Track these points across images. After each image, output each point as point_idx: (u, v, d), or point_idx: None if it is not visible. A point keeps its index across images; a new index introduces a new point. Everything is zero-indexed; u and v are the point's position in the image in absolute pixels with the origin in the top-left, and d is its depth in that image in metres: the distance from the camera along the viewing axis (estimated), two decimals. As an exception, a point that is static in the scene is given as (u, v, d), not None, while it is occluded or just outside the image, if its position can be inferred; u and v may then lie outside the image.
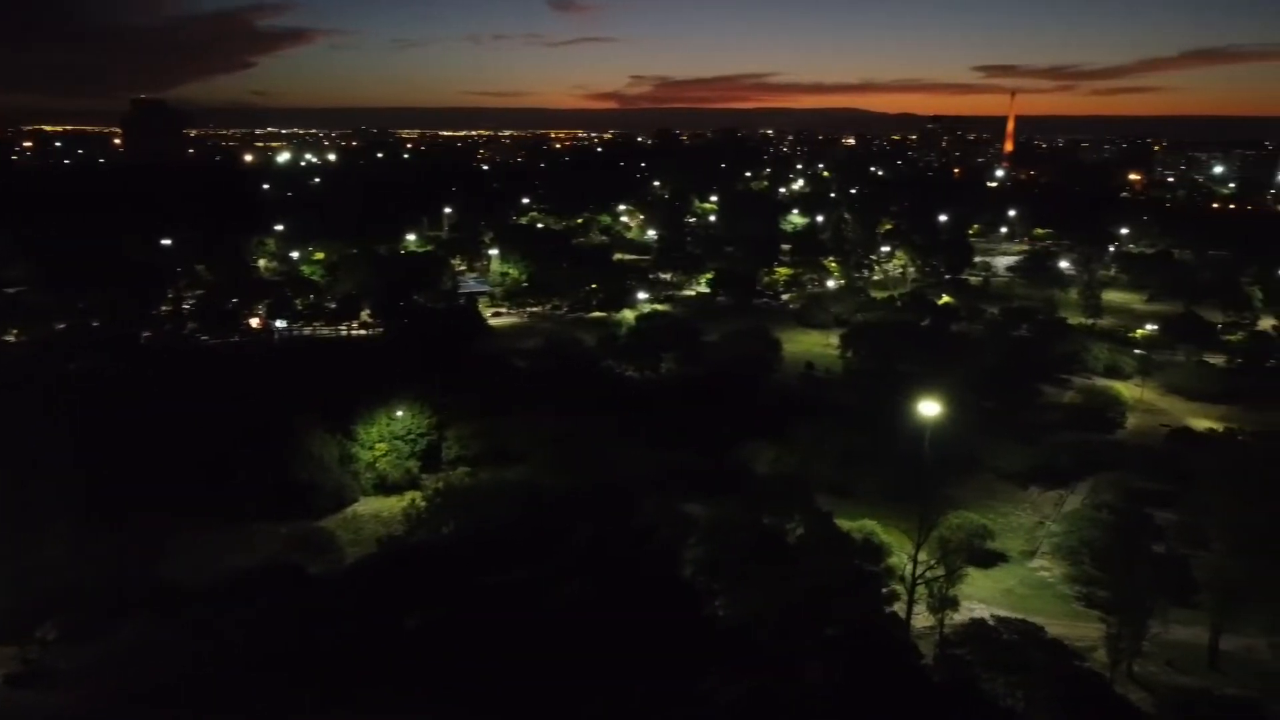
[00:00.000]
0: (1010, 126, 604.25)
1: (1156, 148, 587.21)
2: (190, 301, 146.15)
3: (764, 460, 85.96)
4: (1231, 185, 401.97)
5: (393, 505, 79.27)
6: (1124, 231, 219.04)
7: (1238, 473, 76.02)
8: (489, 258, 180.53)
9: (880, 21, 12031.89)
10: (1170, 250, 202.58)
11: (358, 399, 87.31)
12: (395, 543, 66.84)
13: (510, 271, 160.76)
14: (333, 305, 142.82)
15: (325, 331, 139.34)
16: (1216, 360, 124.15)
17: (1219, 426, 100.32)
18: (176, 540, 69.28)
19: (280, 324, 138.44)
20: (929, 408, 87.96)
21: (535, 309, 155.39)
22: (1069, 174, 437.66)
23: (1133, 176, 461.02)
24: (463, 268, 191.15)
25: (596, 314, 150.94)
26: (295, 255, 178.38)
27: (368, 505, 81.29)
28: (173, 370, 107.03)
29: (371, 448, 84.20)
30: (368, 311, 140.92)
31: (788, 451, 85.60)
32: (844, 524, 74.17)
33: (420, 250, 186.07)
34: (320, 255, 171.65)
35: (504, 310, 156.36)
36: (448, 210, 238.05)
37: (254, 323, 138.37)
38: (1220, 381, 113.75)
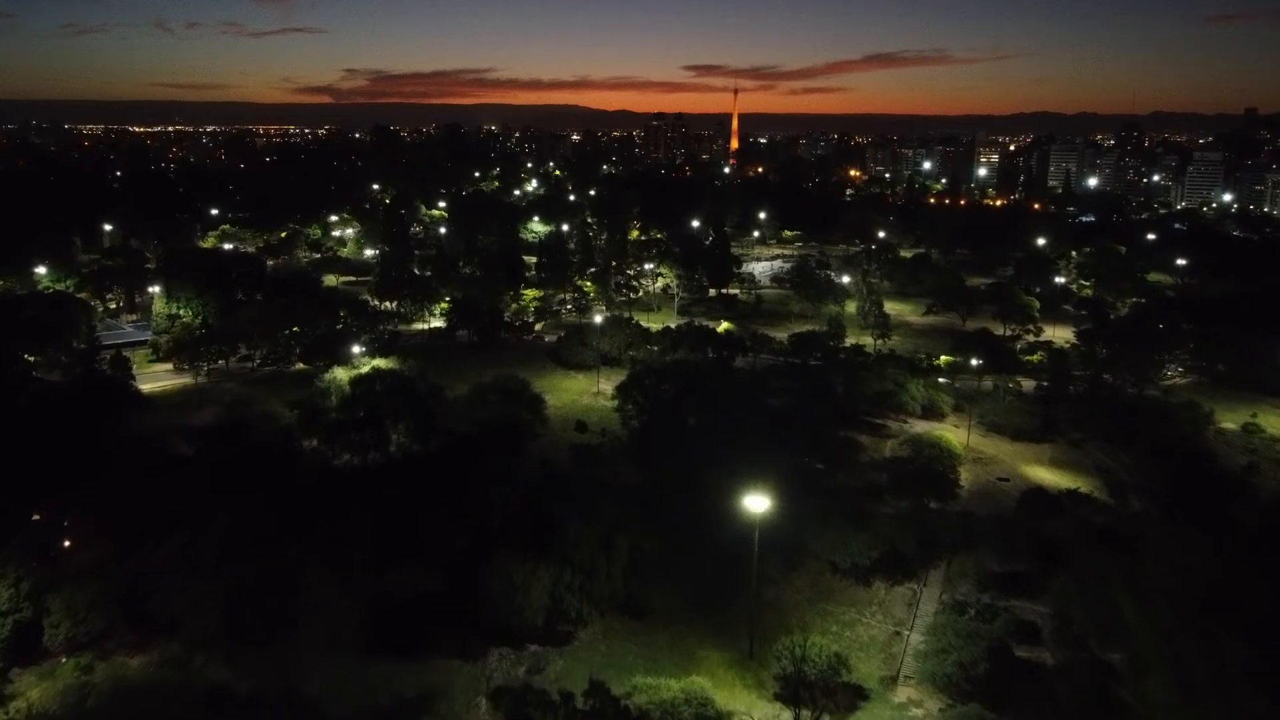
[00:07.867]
0: (735, 124, 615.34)
1: (854, 143, 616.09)
2: None
3: (539, 587, 64.71)
4: (943, 181, 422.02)
5: (-50, 747, 53.70)
6: (881, 235, 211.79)
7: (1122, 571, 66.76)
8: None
9: (594, 20, 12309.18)
10: (925, 253, 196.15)
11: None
12: None
13: (181, 313, 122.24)
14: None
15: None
16: (1026, 385, 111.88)
17: (1065, 481, 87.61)
18: None
19: None
20: (756, 503, 66.62)
21: (218, 363, 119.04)
22: (793, 170, 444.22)
23: (853, 173, 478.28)
24: (116, 305, 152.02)
25: (301, 366, 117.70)
26: None
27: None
28: None
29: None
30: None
31: (564, 570, 65.43)
32: (667, 686, 55.14)
33: (53, 287, 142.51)
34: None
35: (173, 367, 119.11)
36: (109, 228, 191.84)
37: None
38: (1036, 415, 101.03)
